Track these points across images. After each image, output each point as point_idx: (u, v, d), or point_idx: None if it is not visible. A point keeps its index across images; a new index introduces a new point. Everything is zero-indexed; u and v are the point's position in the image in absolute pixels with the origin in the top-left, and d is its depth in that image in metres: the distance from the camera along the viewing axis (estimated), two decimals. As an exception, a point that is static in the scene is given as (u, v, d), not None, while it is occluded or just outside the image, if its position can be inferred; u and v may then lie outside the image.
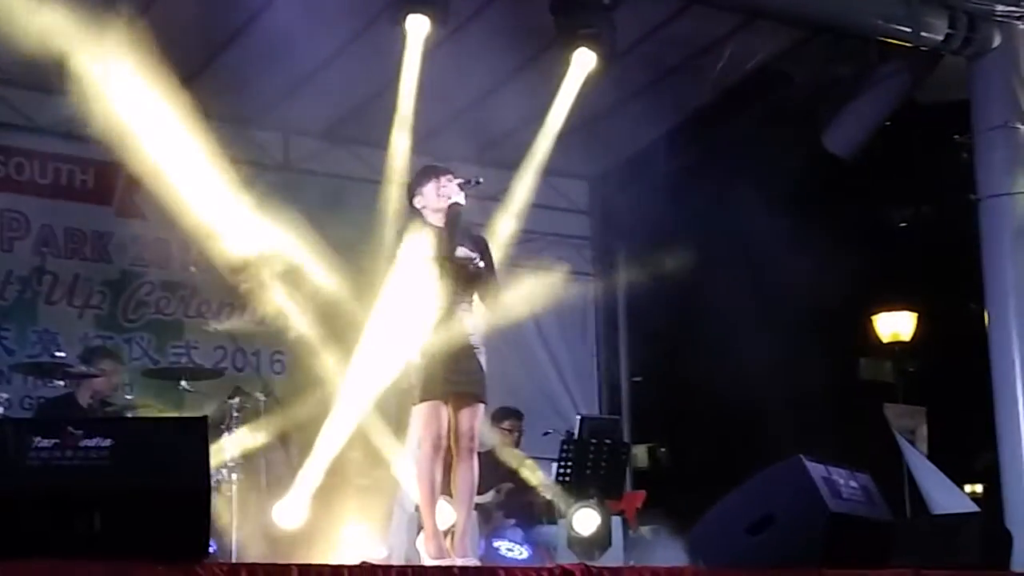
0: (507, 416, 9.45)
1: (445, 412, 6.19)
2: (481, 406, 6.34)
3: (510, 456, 9.30)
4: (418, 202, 6.43)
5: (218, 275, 8.96)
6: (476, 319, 6.34)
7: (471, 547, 6.61)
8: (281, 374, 10.56)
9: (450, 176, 6.42)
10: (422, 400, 6.18)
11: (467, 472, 6.29)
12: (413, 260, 6.22)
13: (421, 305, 6.21)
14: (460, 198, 6.35)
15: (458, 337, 6.21)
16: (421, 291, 6.20)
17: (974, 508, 10.62)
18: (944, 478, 10.92)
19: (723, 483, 6.80)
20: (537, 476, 9.24)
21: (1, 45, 6.95)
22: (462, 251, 6.27)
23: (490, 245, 6.58)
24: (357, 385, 7.37)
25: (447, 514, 6.57)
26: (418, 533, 6.43)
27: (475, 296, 6.35)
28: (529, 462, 9.36)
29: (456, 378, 6.19)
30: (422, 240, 6.24)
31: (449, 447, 6.24)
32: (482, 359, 6.31)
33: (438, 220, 6.35)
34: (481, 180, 6.52)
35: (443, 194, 6.35)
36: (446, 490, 6.40)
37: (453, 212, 6.30)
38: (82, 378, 8.39)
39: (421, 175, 6.52)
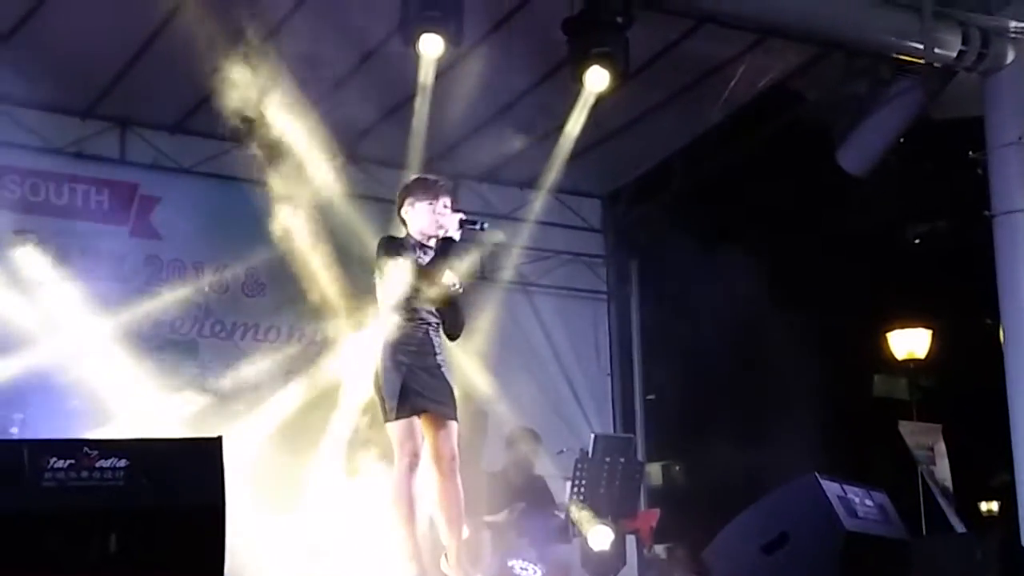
0: (523, 436, 9.41)
1: (420, 427, 6.07)
2: (454, 424, 6.16)
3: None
4: (406, 213, 6.23)
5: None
6: (443, 339, 6.26)
7: (473, 567, 6.53)
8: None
9: (448, 200, 6.21)
10: (397, 417, 6.02)
11: (453, 492, 6.13)
12: (393, 276, 6.05)
13: (394, 322, 6.06)
14: (456, 234, 6.15)
15: (427, 356, 6.12)
16: (396, 308, 6.06)
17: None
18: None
19: (738, 501, 6.78)
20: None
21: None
22: (448, 276, 6.14)
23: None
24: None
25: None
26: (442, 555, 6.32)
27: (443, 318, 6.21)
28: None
29: (429, 395, 6.07)
30: (405, 257, 6.06)
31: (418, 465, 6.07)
32: (449, 377, 6.20)
33: (422, 237, 6.17)
34: (487, 226, 6.33)
35: (440, 223, 6.15)
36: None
37: (447, 245, 6.13)
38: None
39: (418, 188, 6.26)
